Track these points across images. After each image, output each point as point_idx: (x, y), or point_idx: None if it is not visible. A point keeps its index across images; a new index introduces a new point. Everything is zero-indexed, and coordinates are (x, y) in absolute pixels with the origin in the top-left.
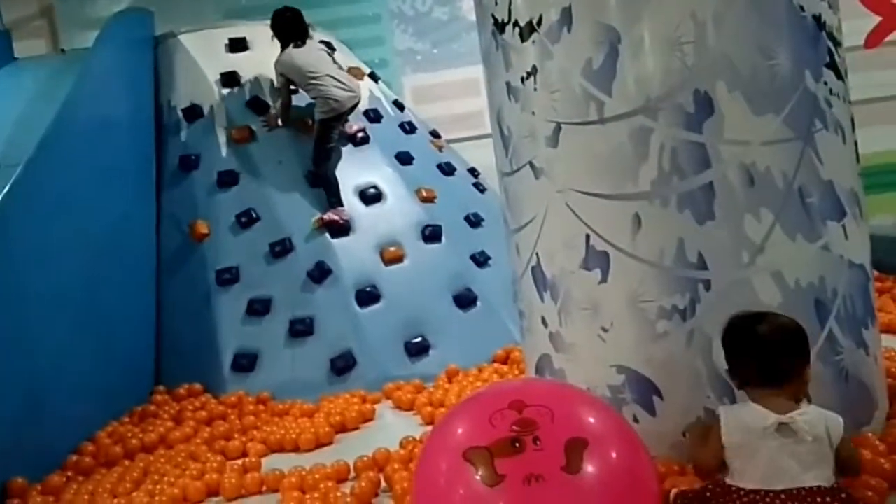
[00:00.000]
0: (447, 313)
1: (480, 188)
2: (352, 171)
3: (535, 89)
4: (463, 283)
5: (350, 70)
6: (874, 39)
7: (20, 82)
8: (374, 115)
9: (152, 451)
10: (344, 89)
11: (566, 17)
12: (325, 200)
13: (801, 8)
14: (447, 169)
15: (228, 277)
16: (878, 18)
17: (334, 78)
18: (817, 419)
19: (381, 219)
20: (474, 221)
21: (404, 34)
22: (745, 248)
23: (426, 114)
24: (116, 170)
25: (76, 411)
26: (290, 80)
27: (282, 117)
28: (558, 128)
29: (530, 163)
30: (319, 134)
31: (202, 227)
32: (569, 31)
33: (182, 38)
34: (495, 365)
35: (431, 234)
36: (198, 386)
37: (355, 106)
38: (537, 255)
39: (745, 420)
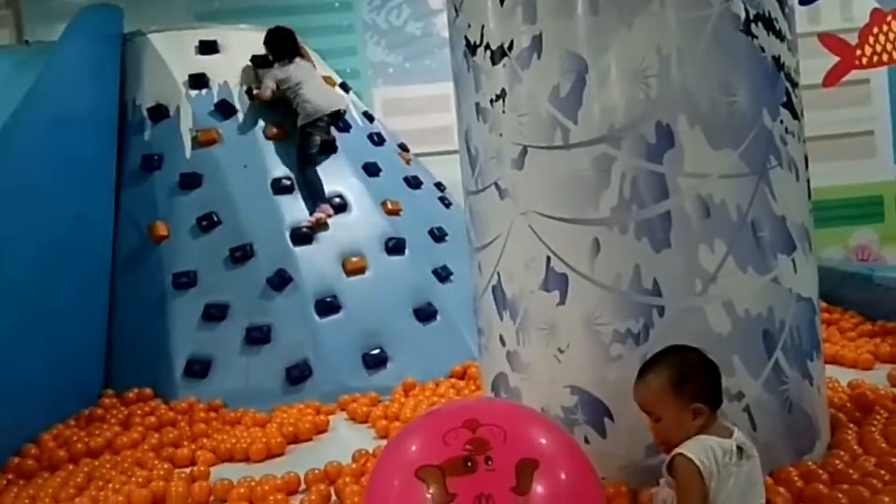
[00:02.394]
0: (407, 326)
1: (446, 203)
2: None
3: (504, 112)
4: (424, 297)
5: (324, 78)
6: (832, 79)
7: None
8: (343, 125)
9: (98, 456)
10: (324, 98)
11: (537, 44)
12: (310, 202)
13: (762, 49)
14: (414, 182)
15: (185, 281)
16: (835, 58)
17: (315, 87)
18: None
19: (345, 229)
20: (438, 236)
21: (377, 46)
22: (699, 276)
23: (395, 126)
24: (75, 165)
25: (19, 411)
26: (278, 90)
27: (261, 96)
28: (524, 150)
29: (496, 183)
30: (301, 140)
31: (161, 229)
32: (539, 57)
33: (151, 37)
34: (452, 380)
35: (395, 247)
36: (148, 390)
37: (337, 114)
38: (498, 273)
39: (712, 451)
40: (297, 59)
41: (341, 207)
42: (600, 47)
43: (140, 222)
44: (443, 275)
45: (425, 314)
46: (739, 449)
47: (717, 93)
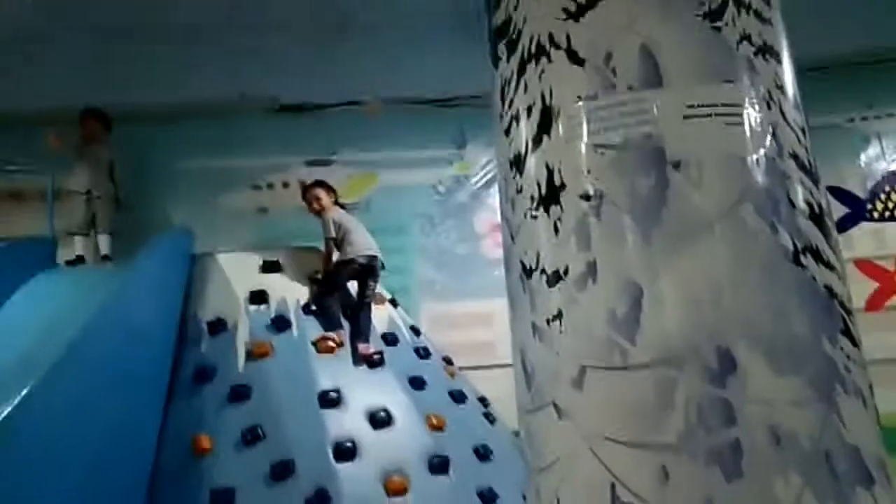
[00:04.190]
0: None
1: (490, 419)
2: (364, 392)
3: (561, 332)
4: None
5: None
6: (875, 304)
7: (59, 287)
8: (391, 339)
9: None
10: (365, 243)
11: (592, 269)
12: (327, 327)
13: (813, 278)
14: (458, 397)
15: (222, 499)
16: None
17: (363, 234)
18: None
19: (389, 444)
20: (483, 454)
21: (426, 266)
22: None
23: (439, 340)
24: (132, 379)
25: None
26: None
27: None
28: (583, 370)
29: (553, 403)
30: (331, 275)
31: (204, 442)
32: (594, 282)
33: (219, 256)
34: None
35: (439, 466)
36: None
37: (372, 266)
38: (559, 500)
39: None
40: (338, 208)
41: (385, 422)
42: (654, 274)
43: (185, 435)
44: (488, 497)
45: None
46: None
47: (774, 320)
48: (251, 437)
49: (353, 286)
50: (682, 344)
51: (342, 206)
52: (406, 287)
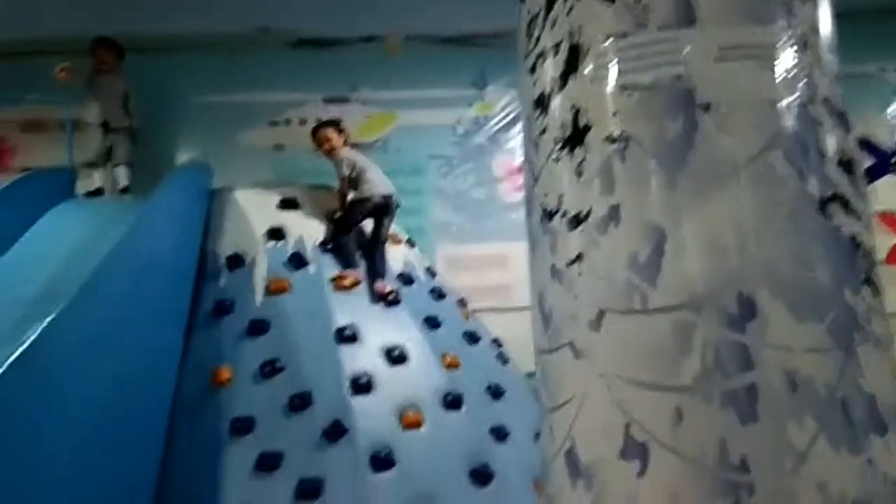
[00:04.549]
0: (461, 489)
1: (504, 359)
2: (380, 330)
3: (580, 274)
4: (480, 457)
5: (389, 237)
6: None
7: (78, 218)
8: (406, 279)
9: None
10: (382, 182)
11: (614, 213)
12: (343, 265)
13: (839, 227)
14: (473, 337)
15: (242, 427)
16: None
17: (378, 173)
18: None
19: (404, 380)
20: (496, 393)
21: (442, 208)
22: (789, 454)
23: (455, 282)
24: (153, 312)
25: None
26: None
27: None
28: (601, 313)
29: (571, 343)
30: (346, 213)
31: (225, 373)
32: (616, 225)
33: (237, 193)
34: None
35: (452, 402)
36: None
37: (388, 204)
38: (573, 438)
39: None
40: (349, 148)
41: (401, 359)
42: (678, 219)
43: (205, 366)
44: (501, 434)
45: (481, 477)
46: None
47: (797, 268)
48: (270, 369)
49: (368, 224)
50: (702, 289)
51: (353, 146)
52: (422, 228)
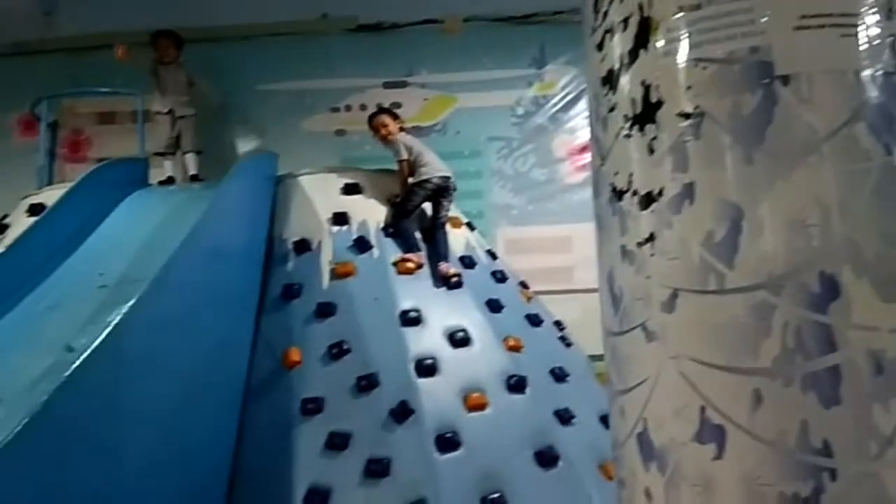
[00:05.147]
0: (527, 470)
1: (566, 342)
2: (443, 313)
3: (652, 255)
4: (545, 439)
5: (450, 220)
6: None
7: (153, 206)
8: (468, 262)
9: None
10: (438, 165)
11: (688, 191)
12: (404, 249)
13: None
14: (535, 320)
15: (312, 408)
16: None
17: (434, 156)
18: None
19: (468, 363)
20: (559, 376)
21: (502, 190)
22: (874, 438)
23: (515, 265)
24: (225, 295)
25: None
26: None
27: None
28: (675, 294)
29: (643, 325)
30: (405, 195)
31: (294, 355)
32: (690, 203)
33: (301, 178)
34: None
35: (516, 384)
36: None
37: (446, 186)
38: (645, 420)
39: None
40: (404, 133)
41: (464, 341)
42: (756, 196)
43: (276, 348)
44: (565, 417)
45: (546, 459)
46: None
47: (883, 246)
48: (337, 351)
49: (428, 209)
50: (782, 268)
51: (410, 131)
52: (482, 211)
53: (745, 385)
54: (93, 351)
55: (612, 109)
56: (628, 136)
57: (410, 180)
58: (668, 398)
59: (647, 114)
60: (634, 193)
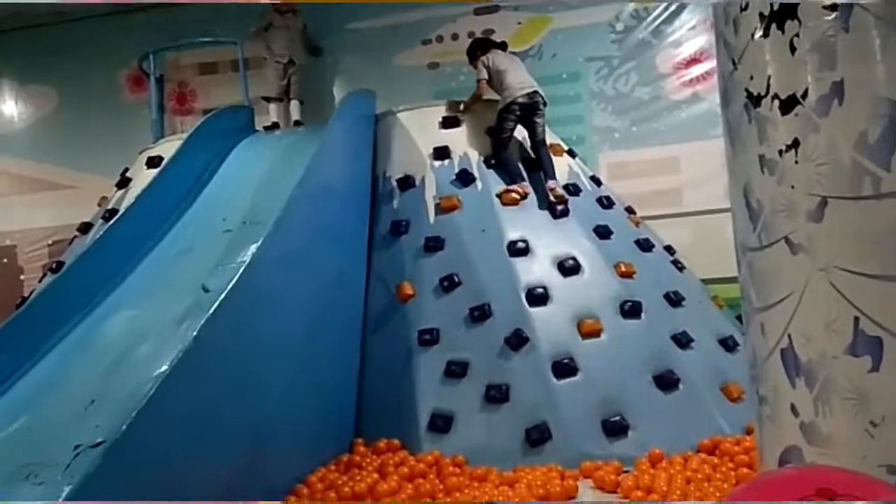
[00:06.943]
0: (647, 394)
1: (679, 266)
2: (551, 242)
3: (796, 162)
4: (664, 363)
5: (550, 146)
6: None
7: (262, 151)
8: (573, 189)
9: (360, 500)
10: (518, 84)
11: (837, 90)
12: (507, 179)
13: None
14: (645, 245)
15: (429, 338)
16: None
17: (516, 75)
18: None
19: (579, 291)
20: (675, 300)
21: (603, 113)
22: None
23: (620, 190)
24: (337, 232)
25: (293, 455)
26: (490, 80)
27: (467, 104)
28: (823, 202)
29: (786, 238)
30: (497, 124)
31: (408, 289)
32: (840, 104)
33: (400, 115)
34: (702, 455)
35: (631, 310)
36: (396, 442)
37: (533, 102)
38: (789, 336)
39: None
40: (496, 50)
41: (574, 269)
42: None
43: (389, 283)
44: (683, 341)
45: (666, 382)
46: None
47: None
48: (448, 283)
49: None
50: None
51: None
52: (583, 137)
53: None
54: (229, 290)
55: (744, 8)
56: (765, 35)
57: (499, 107)
58: (816, 312)
59: (786, 10)
60: (774, 97)
